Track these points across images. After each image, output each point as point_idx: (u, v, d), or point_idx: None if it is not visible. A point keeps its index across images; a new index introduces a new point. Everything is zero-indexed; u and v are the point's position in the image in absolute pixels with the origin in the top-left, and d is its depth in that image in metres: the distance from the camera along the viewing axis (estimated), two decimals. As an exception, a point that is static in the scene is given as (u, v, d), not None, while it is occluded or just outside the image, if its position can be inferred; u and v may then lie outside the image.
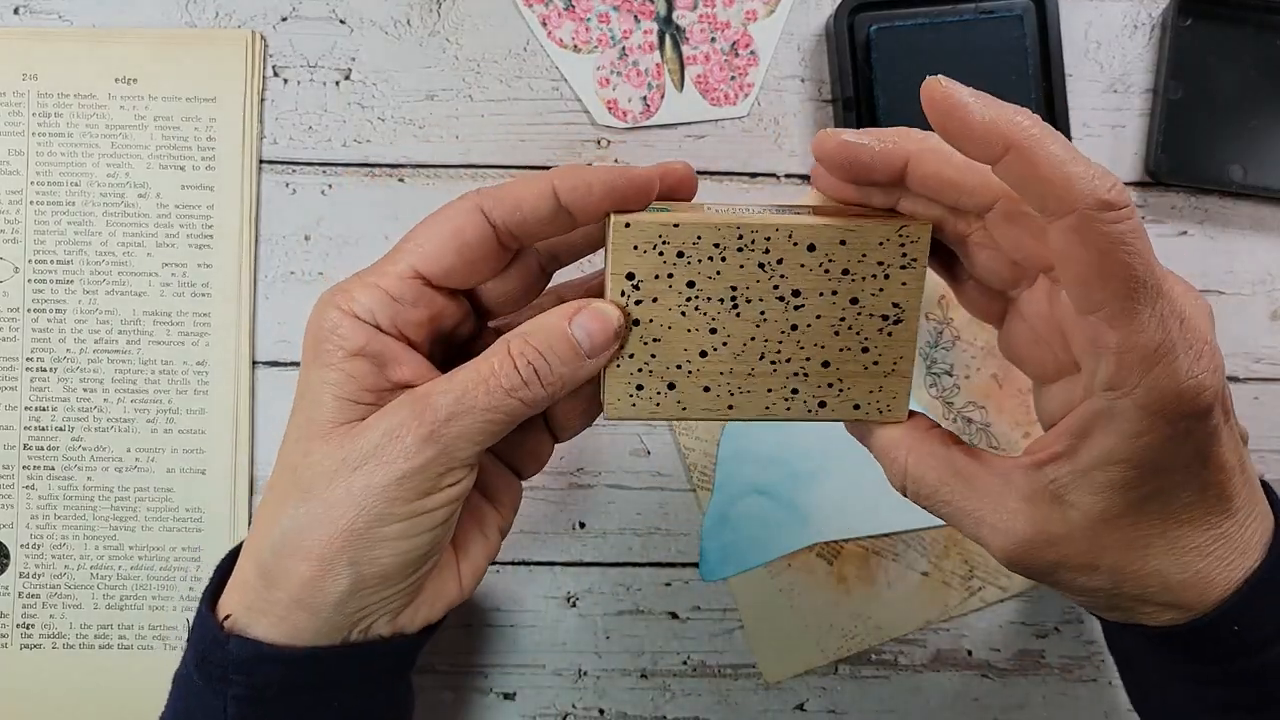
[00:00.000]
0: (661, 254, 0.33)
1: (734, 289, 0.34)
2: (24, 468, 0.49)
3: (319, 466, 0.34)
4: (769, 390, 0.35)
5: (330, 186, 0.50)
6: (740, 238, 0.33)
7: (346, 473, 0.34)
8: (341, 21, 0.50)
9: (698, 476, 0.50)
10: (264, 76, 0.50)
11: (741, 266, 0.34)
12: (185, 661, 0.38)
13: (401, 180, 0.50)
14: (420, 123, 0.50)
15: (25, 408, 0.49)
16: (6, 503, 0.49)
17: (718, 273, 0.34)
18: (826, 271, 0.34)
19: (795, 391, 0.35)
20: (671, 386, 0.35)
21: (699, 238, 0.33)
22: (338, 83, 0.50)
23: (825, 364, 0.35)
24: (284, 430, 0.35)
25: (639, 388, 0.35)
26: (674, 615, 0.50)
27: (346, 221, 0.50)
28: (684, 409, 0.35)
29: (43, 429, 0.49)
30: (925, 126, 0.31)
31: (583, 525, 0.50)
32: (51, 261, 0.49)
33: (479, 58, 0.50)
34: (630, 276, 0.34)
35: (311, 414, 0.34)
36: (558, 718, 0.50)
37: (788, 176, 0.51)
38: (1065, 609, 0.50)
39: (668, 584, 0.50)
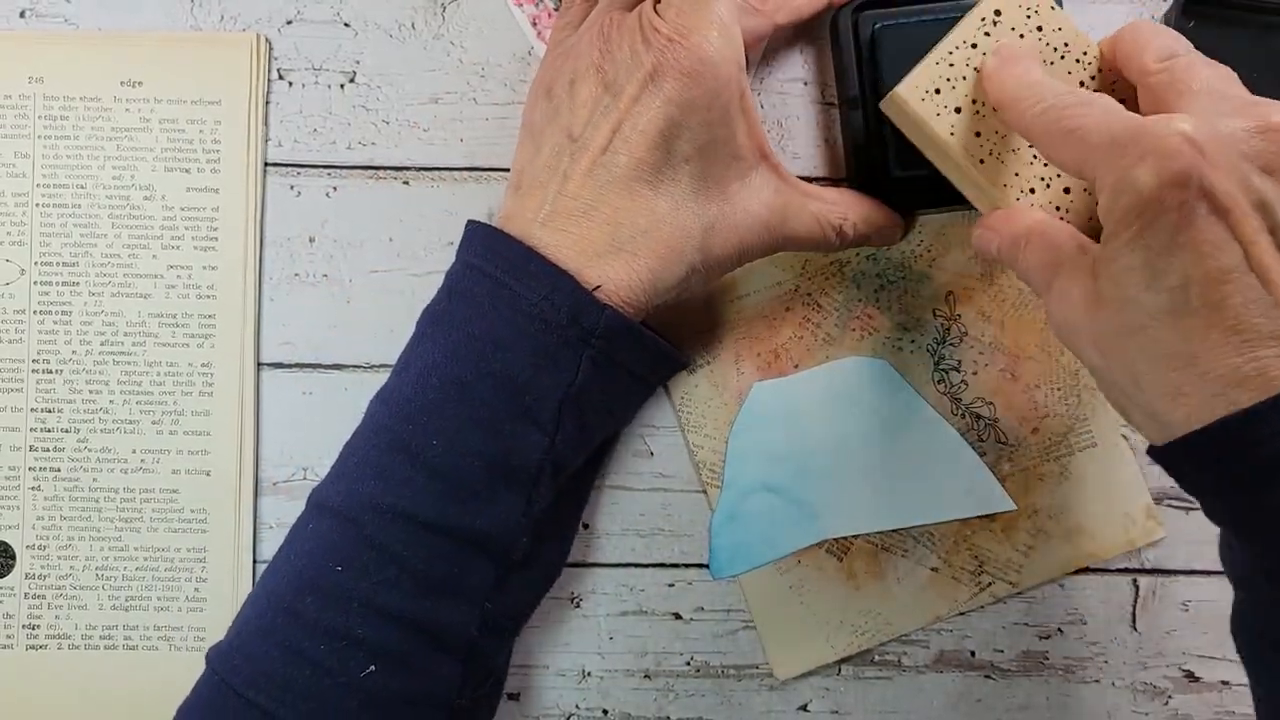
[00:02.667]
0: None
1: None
2: (30, 469, 0.49)
3: None
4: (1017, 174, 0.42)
5: (335, 189, 0.50)
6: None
7: None
8: (346, 25, 0.51)
9: (707, 474, 0.50)
10: (269, 79, 0.50)
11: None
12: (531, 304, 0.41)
13: (406, 183, 0.50)
14: (425, 125, 0.50)
15: (31, 409, 0.49)
16: (13, 504, 0.49)
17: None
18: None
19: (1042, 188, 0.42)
20: (958, 111, 0.41)
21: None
22: (342, 86, 0.50)
23: None
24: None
25: (937, 91, 0.41)
26: (677, 616, 0.50)
27: (351, 224, 0.50)
28: (952, 134, 0.41)
29: (49, 431, 0.49)
30: None
31: (586, 526, 0.50)
32: (57, 264, 0.49)
33: (483, 61, 0.51)
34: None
35: None
36: (561, 718, 0.50)
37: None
38: (1068, 610, 0.50)
39: (671, 585, 0.50)
